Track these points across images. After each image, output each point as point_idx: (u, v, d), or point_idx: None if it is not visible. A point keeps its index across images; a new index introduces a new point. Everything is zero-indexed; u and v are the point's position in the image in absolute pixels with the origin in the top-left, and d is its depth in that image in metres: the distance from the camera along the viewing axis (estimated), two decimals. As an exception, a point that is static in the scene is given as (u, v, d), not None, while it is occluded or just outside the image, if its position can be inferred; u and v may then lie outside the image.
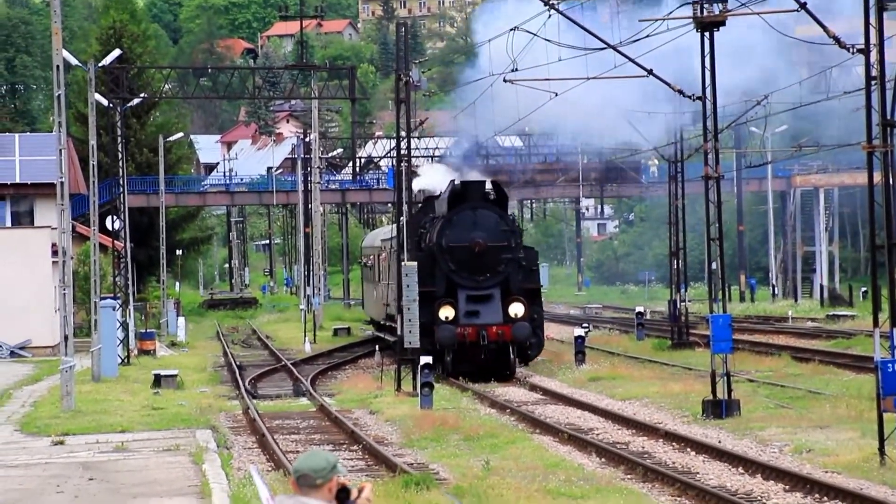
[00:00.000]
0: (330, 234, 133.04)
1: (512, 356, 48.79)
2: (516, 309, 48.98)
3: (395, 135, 53.84)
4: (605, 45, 45.15)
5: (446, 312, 48.69)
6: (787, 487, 25.29)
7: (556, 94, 51.88)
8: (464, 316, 48.94)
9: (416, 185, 60.24)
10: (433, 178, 61.39)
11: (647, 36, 41.35)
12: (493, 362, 48.90)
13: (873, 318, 27.93)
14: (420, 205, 57.55)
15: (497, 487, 24.69)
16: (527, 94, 48.36)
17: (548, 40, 41.45)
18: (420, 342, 44.78)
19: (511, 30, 64.28)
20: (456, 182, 51.12)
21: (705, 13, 37.00)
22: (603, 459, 29.66)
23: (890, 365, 26.77)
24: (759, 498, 24.43)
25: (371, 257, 68.89)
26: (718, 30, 37.41)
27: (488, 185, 51.65)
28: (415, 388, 41.17)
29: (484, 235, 49.68)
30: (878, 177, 27.57)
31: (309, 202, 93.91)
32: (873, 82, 27.47)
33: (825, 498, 24.05)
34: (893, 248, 27.42)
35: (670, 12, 40.86)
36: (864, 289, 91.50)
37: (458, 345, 48.23)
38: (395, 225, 53.19)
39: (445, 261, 49.62)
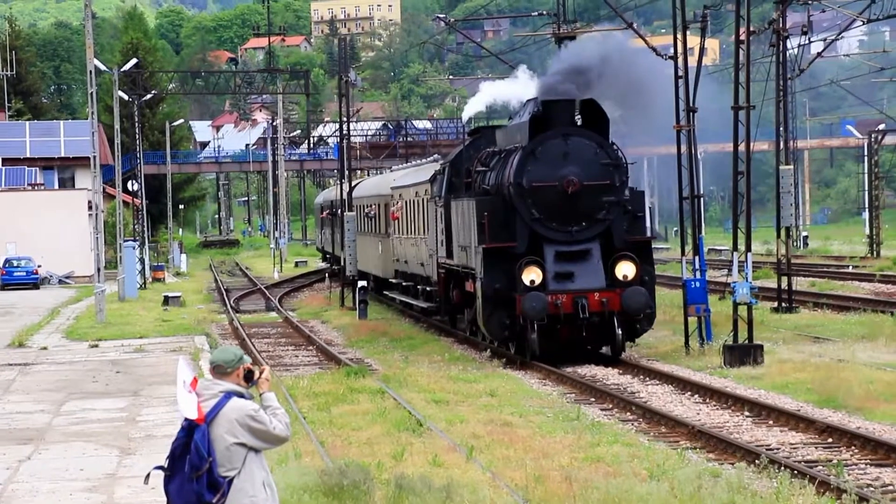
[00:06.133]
0: (291, 193, 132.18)
1: (618, 331, 26.26)
2: (626, 269, 26.44)
3: (338, 119, 53.68)
4: (490, 54, 45.18)
5: (531, 276, 26.19)
6: (621, 371, 25.55)
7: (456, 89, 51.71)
8: (553, 279, 26.41)
9: (470, 109, 36.95)
10: (506, 90, 33.67)
11: (521, 46, 41.45)
12: (592, 340, 26.94)
13: (681, 250, 28.31)
14: (469, 138, 33.20)
15: (413, 375, 24.77)
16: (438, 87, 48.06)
17: (450, 50, 41.55)
18: (494, 314, 26.76)
19: (422, 43, 63.77)
20: (537, 102, 27.66)
21: (562, 30, 37.02)
22: (489, 353, 29.78)
23: (692, 282, 27.15)
24: (601, 380, 24.62)
25: (371, 206, 45.11)
26: (571, 41, 37.41)
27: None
28: (354, 304, 41.13)
29: (578, 171, 26.70)
30: (684, 148, 27.88)
31: (276, 170, 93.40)
32: (680, 80, 27.71)
33: (647, 378, 24.33)
34: (695, 200, 27.79)
35: (537, 30, 40.92)
36: (675, 229, 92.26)
37: (547, 318, 26.03)
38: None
39: (527, 206, 26.80)
